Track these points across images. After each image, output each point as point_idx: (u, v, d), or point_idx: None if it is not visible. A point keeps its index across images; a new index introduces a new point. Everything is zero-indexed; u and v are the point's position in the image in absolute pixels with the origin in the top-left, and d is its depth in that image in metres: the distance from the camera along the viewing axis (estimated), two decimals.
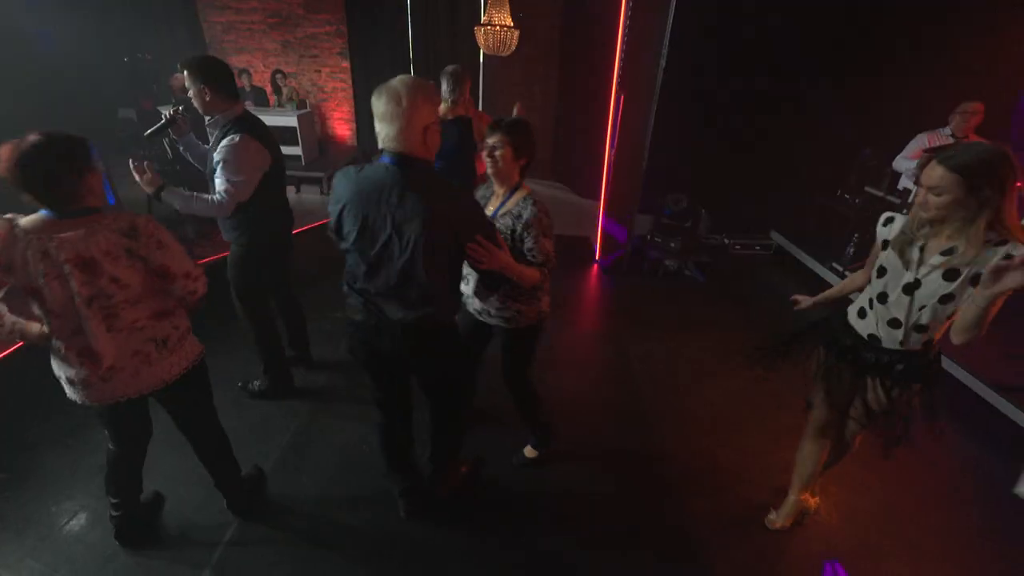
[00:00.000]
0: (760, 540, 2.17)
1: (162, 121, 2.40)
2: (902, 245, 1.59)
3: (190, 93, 2.25)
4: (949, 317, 1.55)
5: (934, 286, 1.51)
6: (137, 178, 2.15)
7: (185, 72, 2.21)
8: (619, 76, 4.10)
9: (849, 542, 2.17)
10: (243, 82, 7.57)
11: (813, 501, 2.29)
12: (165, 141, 4.80)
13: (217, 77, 2.21)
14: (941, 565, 2.11)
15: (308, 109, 7.70)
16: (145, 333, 1.64)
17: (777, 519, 2.21)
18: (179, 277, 1.63)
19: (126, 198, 4.77)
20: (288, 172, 6.81)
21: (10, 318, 1.56)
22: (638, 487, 2.44)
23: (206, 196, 2.23)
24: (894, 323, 1.63)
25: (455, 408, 2.08)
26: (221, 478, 2.11)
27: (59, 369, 1.63)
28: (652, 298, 4.28)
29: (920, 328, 1.60)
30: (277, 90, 7.55)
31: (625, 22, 3.90)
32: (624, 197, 4.52)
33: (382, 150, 1.56)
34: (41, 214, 1.46)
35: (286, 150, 7.17)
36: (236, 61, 8.25)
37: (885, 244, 1.66)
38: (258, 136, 2.29)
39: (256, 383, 2.88)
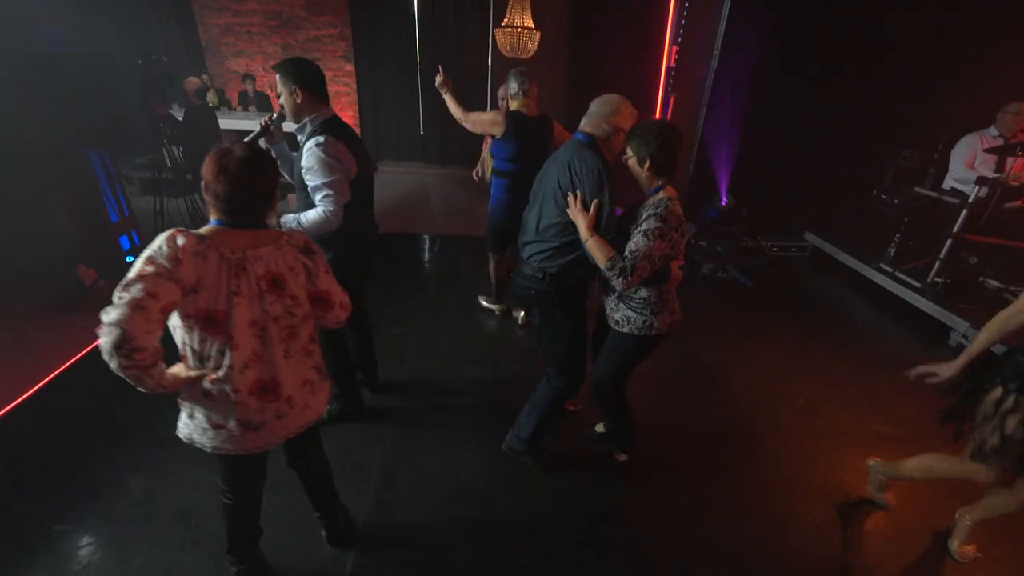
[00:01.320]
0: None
1: (257, 130, 2.22)
2: None
3: (280, 97, 2.08)
4: None
5: None
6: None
7: (277, 74, 2.05)
8: (667, 80, 4.02)
9: None
10: (247, 87, 7.27)
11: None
12: (164, 147, 4.52)
13: (309, 78, 2.05)
14: None
15: None
16: (312, 359, 1.50)
17: (959, 541, 2.09)
18: (335, 305, 1.51)
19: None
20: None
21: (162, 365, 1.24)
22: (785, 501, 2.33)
23: (313, 213, 2.04)
24: None
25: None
26: (328, 509, 1.92)
27: (214, 418, 1.35)
28: (702, 304, 4.21)
29: None
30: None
31: (674, 29, 3.83)
32: None
33: None
34: (216, 225, 1.28)
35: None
36: (234, 65, 7.93)
37: None
38: (346, 141, 2.11)
39: (328, 408, 2.67)
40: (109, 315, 1.11)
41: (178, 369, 1.30)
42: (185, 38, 7.52)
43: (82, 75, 3.88)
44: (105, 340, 1.11)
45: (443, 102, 3.19)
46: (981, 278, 3.85)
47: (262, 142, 2.22)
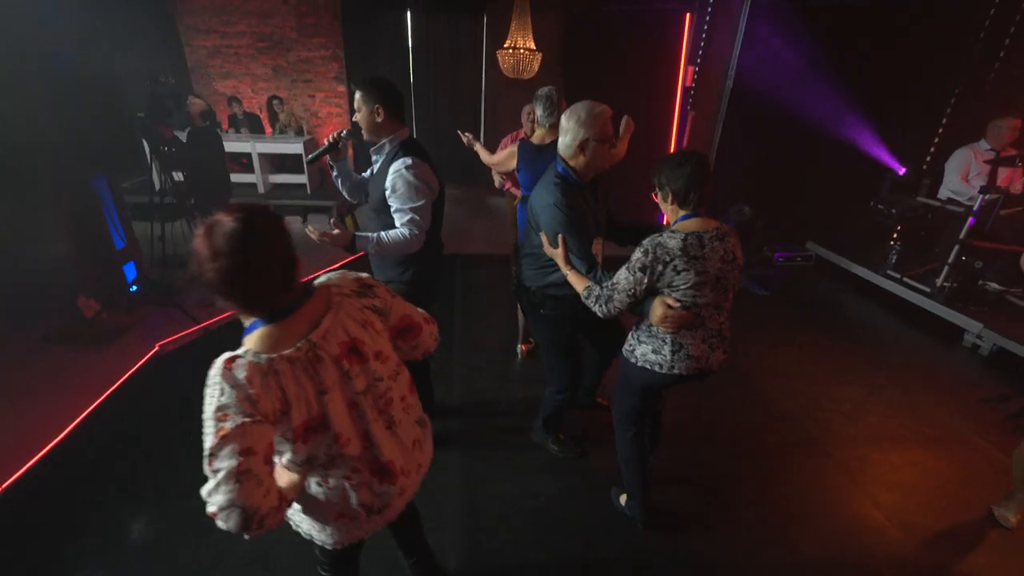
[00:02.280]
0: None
1: (324, 146, 2.16)
2: None
3: (358, 115, 2.05)
4: None
5: None
6: (320, 242, 1.92)
7: (358, 92, 2.02)
8: (684, 99, 4.17)
9: None
10: (234, 110, 7.10)
11: None
12: (154, 169, 4.34)
13: (392, 97, 2.03)
14: None
15: (308, 135, 7.30)
16: (413, 412, 1.32)
17: (1010, 515, 2.20)
18: (424, 325, 1.34)
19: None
20: (293, 201, 6.45)
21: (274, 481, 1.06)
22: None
23: (395, 232, 1.99)
24: None
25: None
26: (420, 555, 1.83)
27: (337, 509, 1.20)
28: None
29: None
30: (273, 117, 7.13)
31: (689, 49, 3.99)
32: None
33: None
34: (259, 328, 1.04)
35: (290, 178, 6.87)
36: (222, 87, 7.75)
37: None
38: (429, 162, 2.09)
39: None
40: (215, 498, 0.92)
41: (287, 478, 1.13)
42: (171, 60, 7.31)
43: (92, 99, 3.71)
44: (229, 525, 0.93)
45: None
46: (981, 281, 4.10)
47: (328, 157, 2.19)
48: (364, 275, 1.26)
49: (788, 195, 5.16)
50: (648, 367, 1.83)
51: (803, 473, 2.59)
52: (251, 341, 1.04)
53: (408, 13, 7.55)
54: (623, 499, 2.27)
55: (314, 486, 1.18)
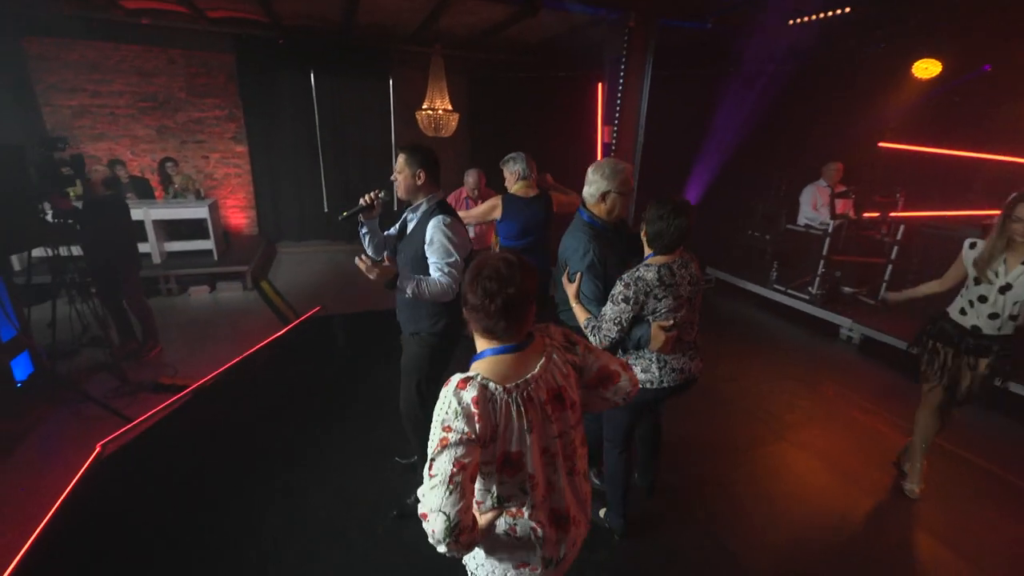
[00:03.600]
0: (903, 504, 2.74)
1: (360, 204, 2.18)
2: (988, 261, 2.35)
3: (399, 176, 2.16)
4: None
5: (1022, 289, 2.30)
6: (369, 273, 1.92)
7: (402, 156, 2.15)
8: (604, 151, 4.82)
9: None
10: (117, 173, 6.34)
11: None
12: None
13: (433, 163, 2.18)
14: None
15: (208, 199, 6.75)
16: (584, 463, 1.31)
17: (915, 486, 2.76)
18: (621, 372, 1.36)
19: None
20: (198, 269, 5.91)
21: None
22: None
23: (434, 279, 2.06)
24: (993, 316, 2.36)
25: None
26: None
27: (520, 556, 1.22)
28: None
29: (1014, 318, 2.35)
30: (167, 180, 6.49)
31: (604, 111, 4.67)
32: None
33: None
34: (490, 356, 1.16)
35: (192, 245, 6.26)
36: (93, 149, 6.88)
37: (975, 262, 2.39)
38: (460, 221, 2.24)
39: (412, 499, 2.50)
40: (428, 500, 1.03)
41: (482, 518, 1.19)
42: (24, 123, 6.32)
43: None
44: (435, 528, 1.02)
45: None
46: (840, 286, 5.23)
47: (361, 216, 2.22)
48: (569, 331, 1.35)
49: (706, 234, 6.08)
50: (640, 386, 1.93)
51: (775, 458, 3.05)
52: (482, 367, 1.15)
53: (312, 74, 7.54)
54: (602, 512, 2.41)
55: (504, 534, 1.22)
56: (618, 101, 4.50)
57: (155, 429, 3.17)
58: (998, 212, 2.36)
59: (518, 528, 1.21)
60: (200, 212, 6.12)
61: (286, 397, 3.59)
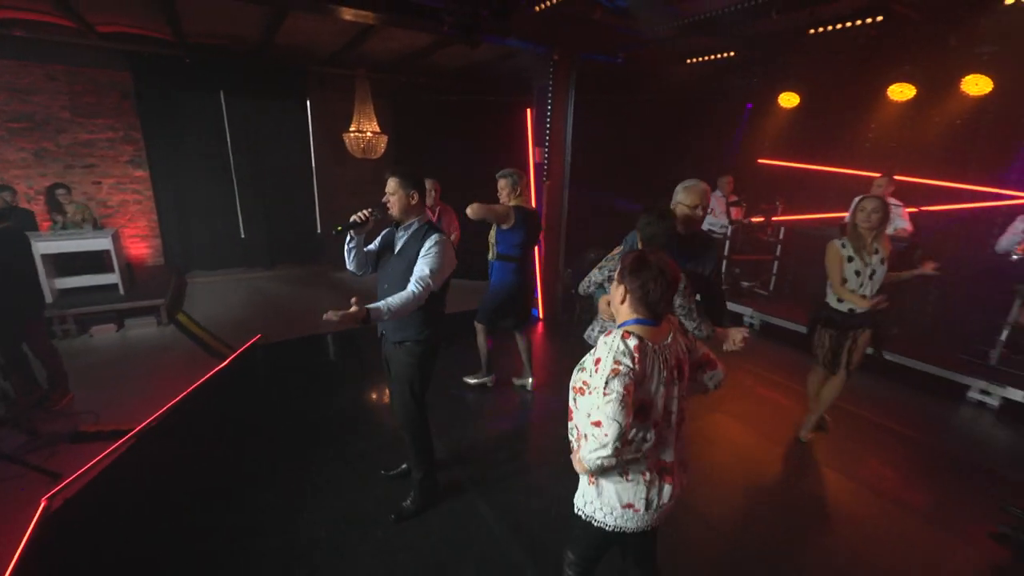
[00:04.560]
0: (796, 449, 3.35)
1: (356, 221, 2.28)
2: (859, 252, 2.99)
3: (393, 197, 2.29)
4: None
5: (880, 271, 2.99)
6: (343, 322, 1.99)
7: (396, 179, 2.28)
8: (537, 172, 5.24)
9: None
10: (7, 199, 5.56)
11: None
12: None
13: (422, 184, 2.34)
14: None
15: (108, 228, 6.12)
16: (686, 432, 1.59)
17: (806, 432, 3.39)
18: (713, 362, 1.66)
19: None
20: (101, 307, 5.41)
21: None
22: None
23: (400, 295, 2.16)
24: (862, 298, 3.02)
25: None
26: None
27: (626, 496, 1.47)
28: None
29: (874, 296, 3.02)
30: (57, 209, 5.79)
31: (535, 137, 5.12)
32: (552, 258, 5.58)
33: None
34: (639, 324, 1.44)
35: (97, 279, 5.65)
36: None
37: (850, 258, 3.00)
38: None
39: (407, 502, 2.58)
40: (606, 409, 1.31)
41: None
42: None
43: None
44: (608, 432, 1.30)
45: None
46: (740, 281, 6.09)
47: (353, 232, 2.32)
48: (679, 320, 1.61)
49: (616, 239, 6.68)
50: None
51: (712, 426, 3.53)
52: (635, 328, 1.43)
53: (222, 95, 7.16)
54: None
55: (617, 476, 1.48)
56: (547, 125, 4.93)
57: (105, 476, 2.89)
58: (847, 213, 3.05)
59: (631, 470, 1.47)
60: (102, 243, 5.54)
61: (246, 428, 3.43)
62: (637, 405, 1.38)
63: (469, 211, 3.37)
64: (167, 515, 2.61)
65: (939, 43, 4.12)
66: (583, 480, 1.55)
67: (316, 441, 3.26)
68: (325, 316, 1.98)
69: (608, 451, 1.32)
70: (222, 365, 4.29)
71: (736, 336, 2.31)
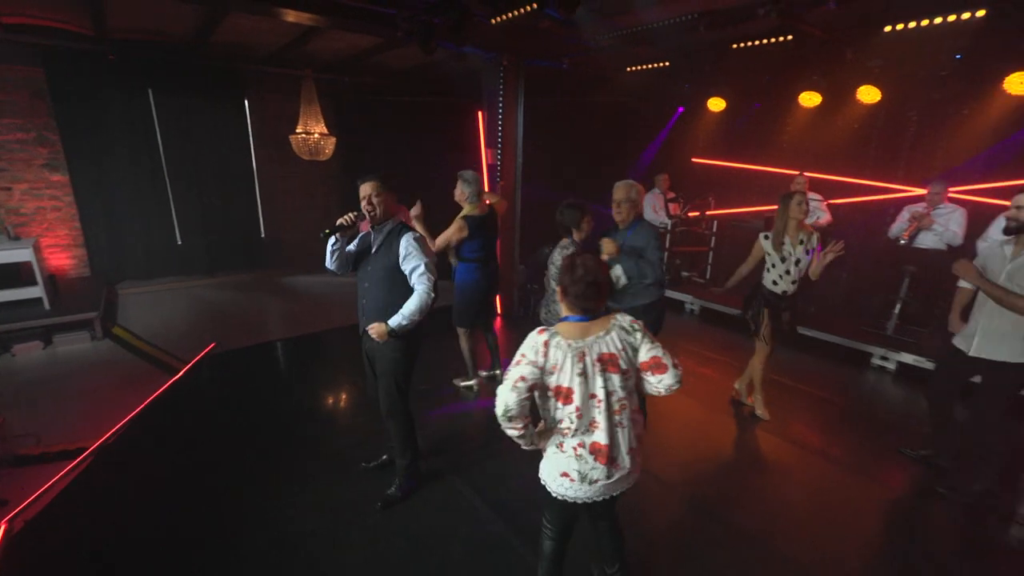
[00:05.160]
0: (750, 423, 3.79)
1: (343, 224, 2.38)
2: (777, 244, 3.46)
3: (376, 200, 2.38)
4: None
5: (805, 258, 3.44)
6: (380, 338, 2.34)
7: (376, 182, 2.38)
8: (491, 172, 5.44)
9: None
10: None
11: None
12: None
13: (398, 188, 2.45)
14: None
15: (27, 238, 5.65)
16: (636, 427, 1.73)
17: (759, 408, 3.82)
18: (669, 367, 1.67)
19: None
20: (28, 323, 5.09)
21: (530, 428, 1.70)
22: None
23: (412, 300, 2.36)
24: (794, 283, 3.45)
25: None
26: (622, 548, 2.04)
27: (560, 466, 1.69)
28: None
29: (796, 282, 3.49)
30: None
31: (487, 138, 5.33)
32: (507, 255, 5.80)
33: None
34: (569, 320, 1.67)
35: (16, 294, 5.22)
36: None
37: (774, 245, 3.46)
38: None
39: (392, 489, 2.70)
40: (500, 389, 1.61)
41: (541, 427, 1.76)
42: None
43: None
44: (497, 403, 1.60)
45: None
46: (680, 271, 6.61)
47: (338, 234, 2.41)
48: (639, 322, 1.70)
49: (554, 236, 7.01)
50: None
51: (660, 403, 3.89)
52: (559, 326, 1.67)
53: (151, 94, 6.76)
54: None
55: (555, 448, 1.72)
56: (499, 127, 5.13)
57: (72, 493, 2.78)
58: (774, 207, 3.50)
59: (564, 445, 1.69)
60: (22, 254, 5.14)
61: (216, 436, 3.38)
62: (553, 391, 1.65)
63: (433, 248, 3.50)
64: (148, 525, 2.57)
65: (838, 57, 4.74)
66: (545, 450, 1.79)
67: (291, 443, 3.28)
68: (368, 329, 2.41)
69: (500, 420, 1.62)
70: (177, 376, 4.14)
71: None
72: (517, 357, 1.64)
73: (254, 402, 3.87)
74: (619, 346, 1.64)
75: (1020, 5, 3.33)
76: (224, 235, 7.70)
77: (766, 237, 3.50)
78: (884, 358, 4.71)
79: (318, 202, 8.77)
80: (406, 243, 2.39)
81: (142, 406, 3.64)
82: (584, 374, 1.62)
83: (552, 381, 1.64)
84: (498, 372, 4.16)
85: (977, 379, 2.85)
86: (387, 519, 2.58)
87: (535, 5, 3.11)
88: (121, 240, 6.92)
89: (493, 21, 3.54)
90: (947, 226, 4.44)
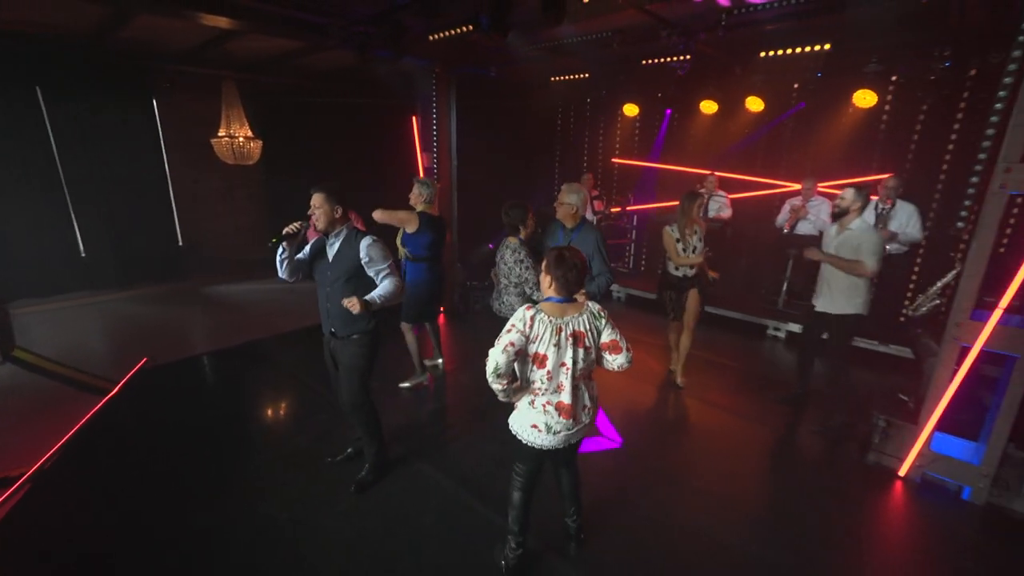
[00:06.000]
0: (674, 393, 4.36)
1: (289, 232, 2.49)
2: (683, 234, 4.03)
3: (319, 211, 2.50)
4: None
5: (699, 246, 4.03)
6: (353, 308, 2.43)
7: (321, 194, 2.50)
8: (428, 175, 5.66)
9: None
10: None
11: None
12: None
13: (346, 199, 2.59)
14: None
15: None
16: (590, 391, 2.14)
17: (680, 377, 4.41)
18: (623, 349, 2.08)
19: None
20: None
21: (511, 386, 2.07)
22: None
23: (386, 285, 2.55)
24: (691, 266, 4.07)
25: None
26: (579, 496, 2.46)
27: (531, 419, 2.07)
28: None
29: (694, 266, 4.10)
30: None
31: (422, 143, 5.56)
32: (448, 255, 6.04)
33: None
34: (552, 301, 2.03)
35: None
36: None
37: (678, 239, 4.05)
38: None
39: (363, 474, 2.88)
40: (493, 352, 1.95)
41: (516, 385, 2.11)
42: None
43: None
44: (489, 362, 1.96)
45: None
46: None
47: (285, 244, 2.54)
48: (604, 311, 2.09)
49: (487, 234, 7.33)
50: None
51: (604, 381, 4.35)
52: (543, 305, 2.02)
53: (39, 92, 6.16)
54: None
55: (527, 402, 2.08)
56: (434, 132, 5.35)
57: (21, 515, 2.67)
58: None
59: (536, 401, 2.05)
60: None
61: (170, 449, 3.32)
62: (532, 357, 2.02)
63: (375, 214, 3.70)
64: (120, 534, 2.55)
65: (730, 73, 5.48)
66: (518, 405, 2.14)
67: (250, 448, 3.32)
68: (344, 302, 2.45)
69: (490, 376, 1.99)
70: (112, 394, 3.95)
71: None
72: (508, 327, 1.98)
73: (204, 413, 3.80)
74: (588, 326, 2.04)
75: (854, 42, 4.17)
76: (137, 245, 7.18)
77: (672, 230, 4.06)
78: (776, 328, 5.56)
79: (241, 206, 8.41)
80: (366, 248, 2.56)
81: (78, 426, 3.46)
82: (558, 345, 1.98)
83: (532, 348, 2.00)
84: (440, 361, 4.40)
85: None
86: (360, 503, 2.76)
87: (471, 27, 3.38)
88: (10, 253, 6.24)
89: (431, 38, 3.77)
90: (818, 216, 5.33)
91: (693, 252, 3.99)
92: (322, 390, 4.07)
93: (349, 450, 3.10)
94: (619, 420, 3.77)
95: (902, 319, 5.13)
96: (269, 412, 3.92)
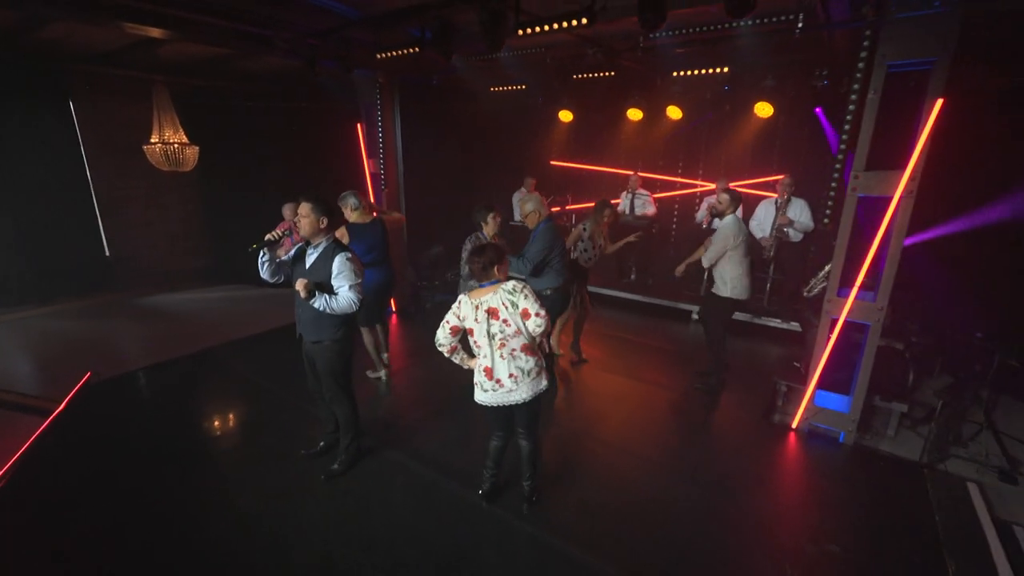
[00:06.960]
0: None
1: (271, 239, 2.65)
2: (594, 235, 4.55)
3: (304, 220, 2.67)
4: None
5: (601, 243, 4.57)
6: (301, 290, 2.62)
7: (309, 203, 2.65)
8: (375, 181, 5.86)
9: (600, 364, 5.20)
10: None
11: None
12: None
13: (333, 210, 2.77)
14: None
15: None
16: (517, 362, 2.50)
17: (556, 349, 4.89)
18: (532, 315, 2.44)
19: None
20: None
21: (459, 354, 2.61)
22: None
23: (341, 296, 2.70)
24: (593, 259, 4.59)
25: None
26: (535, 463, 2.85)
27: (475, 380, 2.61)
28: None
29: (596, 258, 4.64)
30: None
31: (368, 149, 5.76)
32: (398, 257, 6.24)
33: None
34: (477, 287, 2.53)
35: None
36: None
37: (587, 238, 4.57)
38: None
39: (335, 465, 3.11)
40: (439, 330, 2.54)
41: (471, 359, 2.64)
42: None
43: None
44: (437, 337, 2.55)
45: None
46: None
47: (266, 249, 2.71)
48: (524, 286, 2.48)
49: (457, 235, 7.57)
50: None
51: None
52: (471, 291, 2.47)
53: None
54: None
55: (476, 369, 2.58)
56: (380, 138, 5.55)
57: None
58: (617, 200, 4.59)
59: (476, 366, 2.55)
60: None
61: (134, 460, 3.36)
62: (467, 331, 2.56)
63: None
64: (94, 550, 2.61)
65: (651, 84, 6.09)
66: None
67: (220, 450, 3.43)
68: (297, 285, 2.67)
69: (437, 346, 2.57)
70: (59, 411, 3.84)
71: None
72: (449, 311, 2.57)
73: (162, 424, 3.82)
74: (502, 302, 2.46)
75: (752, 61, 4.86)
76: (57, 257, 6.78)
77: (584, 228, 4.59)
78: (698, 313, 6.24)
79: (173, 214, 8.10)
80: (339, 263, 2.73)
81: (26, 446, 3.39)
82: (478, 320, 2.49)
83: (466, 325, 2.53)
84: (382, 373, 4.57)
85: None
86: (334, 487, 2.99)
87: (417, 49, 3.65)
88: None
89: (379, 56, 3.98)
90: (799, 218, 5.94)
91: (599, 249, 4.55)
92: (281, 392, 4.19)
93: (322, 444, 3.31)
94: (558, 402, 4.22)
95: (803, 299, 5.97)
96: (232, 416, 4.00)
